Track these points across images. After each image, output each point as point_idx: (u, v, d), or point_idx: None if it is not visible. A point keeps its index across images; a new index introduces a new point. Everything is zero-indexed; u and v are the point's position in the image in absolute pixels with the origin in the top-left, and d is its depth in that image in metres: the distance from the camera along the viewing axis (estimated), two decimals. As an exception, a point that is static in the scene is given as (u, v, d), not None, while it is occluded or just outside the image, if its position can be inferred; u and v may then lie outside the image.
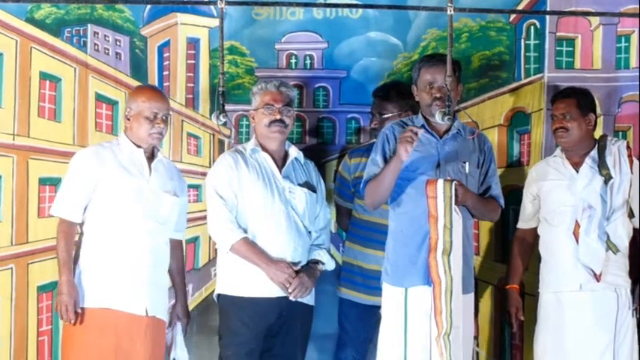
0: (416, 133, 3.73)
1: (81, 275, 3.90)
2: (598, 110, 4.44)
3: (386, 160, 3.90)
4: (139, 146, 3.98)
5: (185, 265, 4.36)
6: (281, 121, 4.17)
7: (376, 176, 3.90)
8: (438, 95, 3.90)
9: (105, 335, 3.86)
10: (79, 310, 3.84)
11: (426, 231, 3.78)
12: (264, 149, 4.22)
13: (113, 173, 3.91)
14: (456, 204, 3.76)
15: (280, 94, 4.20)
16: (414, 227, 3.83)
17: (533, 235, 4.37)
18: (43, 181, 4.42)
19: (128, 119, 3.98)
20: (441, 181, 3.76)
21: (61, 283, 3.84)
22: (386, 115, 4.35)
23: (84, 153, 4.00)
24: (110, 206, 3.90)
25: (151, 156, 4.02)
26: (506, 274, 4.45)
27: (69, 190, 3.92)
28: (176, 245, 4.15)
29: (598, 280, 4.12)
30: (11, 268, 4.40)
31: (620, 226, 4.15)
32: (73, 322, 3.82)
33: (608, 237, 4.12)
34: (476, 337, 4.55)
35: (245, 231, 4.10)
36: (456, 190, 3.76)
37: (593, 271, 4.12)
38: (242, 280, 4.11)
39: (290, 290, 4.08)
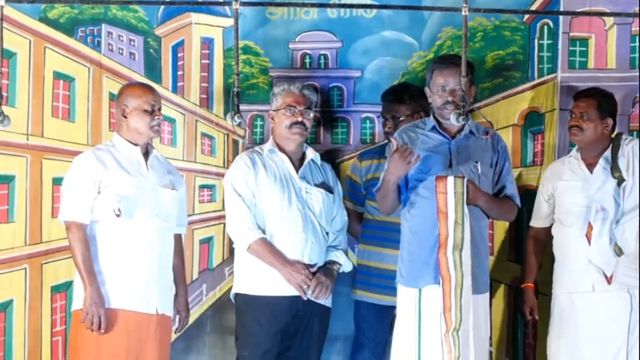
0: (410, 153, 3.74)
1: None
2: (614, 111, 4.44)
3: None
4: (135, 144, 3.98)
5: (187, 259, 4.37)
6: (302, 123, 4.18)
7: (379, 189, 3.92)
8: (450, 99, 3.88)
9: (115, 335, 3.85)
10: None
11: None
12: (282, 150, 4.23)
13: (115, 174, 3.90)
14: (466, 203, 3.75)
15: (303, 97, 4.21)
16: (428, 228, 3.82)
17: (547, 234, 4.35)
18: (56, 181, 4.38)
19: (125, 117, 3.96)
20: (451, 178, 3.75)
21: (90, 293, 3.79)
22: (400, 118, 4.33)
23: (84, 157, 3.97)
24: (114, 207, 3.87)
25: (145, 153, 4.02)
26: (521, 273, 4.45)
27: (75, 193, 3.89)
28: (177, 240, 4.13)
29: (609, 283, 4.12)
30: (25, 269, 4.39)
31: (628, 230, 4.13)
32: (103, 332, 3.80)
33: (615, 239, 4.11)
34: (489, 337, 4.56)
35: (263, 231, 4.11)
36: (467, 187, 3.75)
37: (604, 273, 4.12)
38: (258, 279, 4.11)
39: (310, 291, 4.08)
